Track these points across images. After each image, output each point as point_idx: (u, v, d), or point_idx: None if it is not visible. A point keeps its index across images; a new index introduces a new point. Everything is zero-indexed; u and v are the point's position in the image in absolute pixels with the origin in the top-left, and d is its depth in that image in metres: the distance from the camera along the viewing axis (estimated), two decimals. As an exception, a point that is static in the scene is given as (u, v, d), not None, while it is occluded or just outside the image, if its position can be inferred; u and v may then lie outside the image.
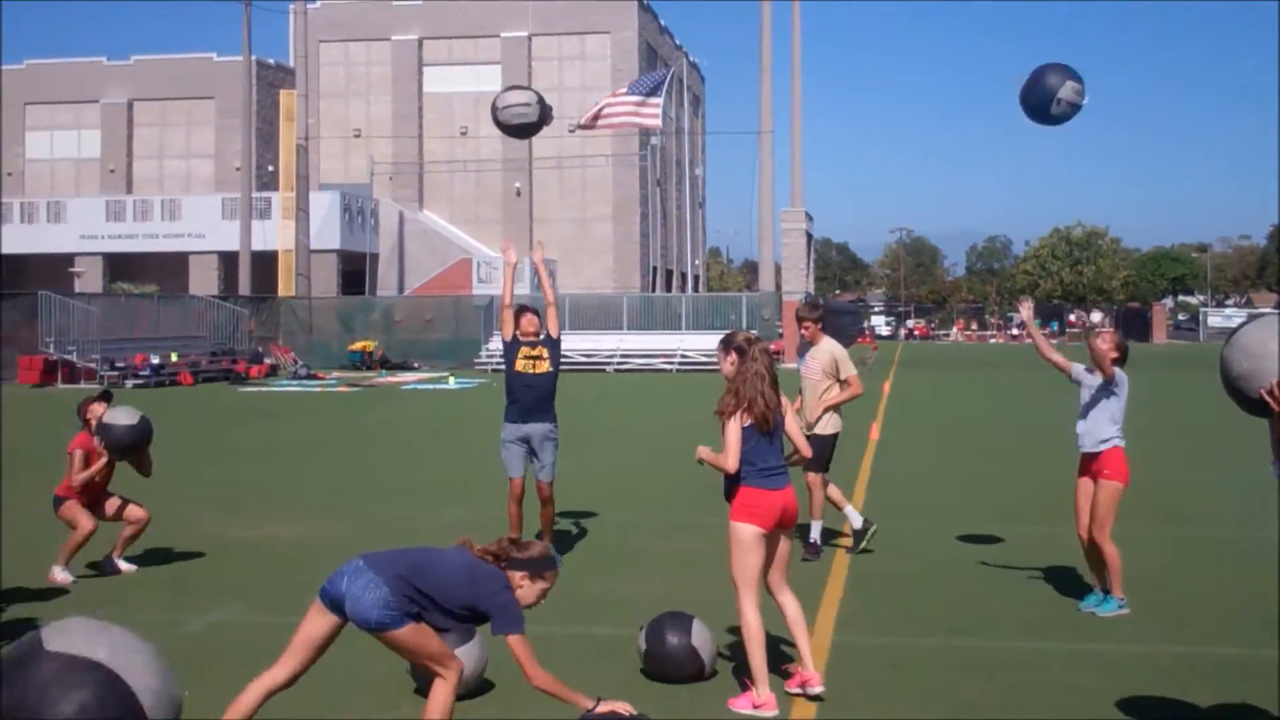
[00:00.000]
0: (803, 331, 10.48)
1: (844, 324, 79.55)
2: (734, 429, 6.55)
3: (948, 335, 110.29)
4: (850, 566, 10.01)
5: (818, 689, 6.60)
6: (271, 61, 69.83)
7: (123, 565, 9.96)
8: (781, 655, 7.19)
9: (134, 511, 9.97)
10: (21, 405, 29.19)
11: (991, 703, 6.57)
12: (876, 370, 44.33)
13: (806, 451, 7.07)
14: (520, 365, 10.08)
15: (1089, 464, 8.53)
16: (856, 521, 10.45)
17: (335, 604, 5.50)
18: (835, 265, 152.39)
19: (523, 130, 10.59)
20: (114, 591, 9.27)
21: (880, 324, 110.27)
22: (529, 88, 10.70)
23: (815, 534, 10.30)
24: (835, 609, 8.61)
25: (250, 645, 7.76)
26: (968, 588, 9.28)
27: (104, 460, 9.70)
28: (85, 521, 9.63)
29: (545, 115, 10.40)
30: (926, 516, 12.63)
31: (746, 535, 6.51)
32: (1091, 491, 8.49)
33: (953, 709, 6.47)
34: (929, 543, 11.10)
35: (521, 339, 10.07)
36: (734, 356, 6.69)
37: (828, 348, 10.37)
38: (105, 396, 10.00)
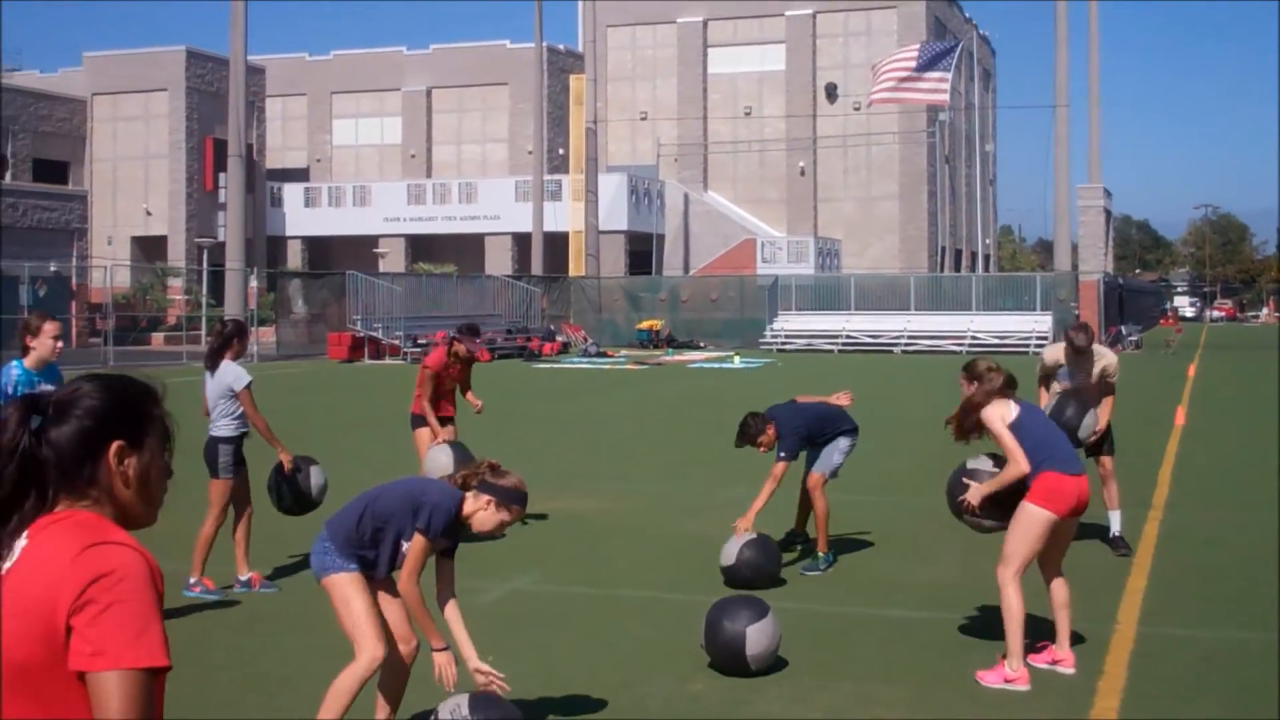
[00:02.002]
0: (1080, 341, 9.62)
1: (1144, 305, 76.33)
2: (1006, 433, 6.55)
3: (1257, 317, 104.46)
4: (1155, 557, 9.59)
5: (1069, 670, 6.60)
6: (561, 48, 71.43)
7: None
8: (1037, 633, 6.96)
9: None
10: (331, 379, 30.80)
11: (1315, 703, 6.18)
12: (1180, 353, 42.37)
13: None
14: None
15: None
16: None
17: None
18: (1135, 244, 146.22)
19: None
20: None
21: (1184, 305, 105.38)
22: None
23: (1116, 526, 9.85)
24: (1140, 599, 8.27)
25: (546, 612, 7.98)
26: (1285, 581, 8.76)
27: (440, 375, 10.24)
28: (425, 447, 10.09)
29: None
30: (1237, 505, 12.00)
31: (1040, 519, 6.49)
32: None
33: (1269, 705, 6.11)
34: (1240, 533, 10.55)
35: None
36: (975, 386, 6.74)
37: (1104, 354, 9.85)
38: (471, 331, 10.45)
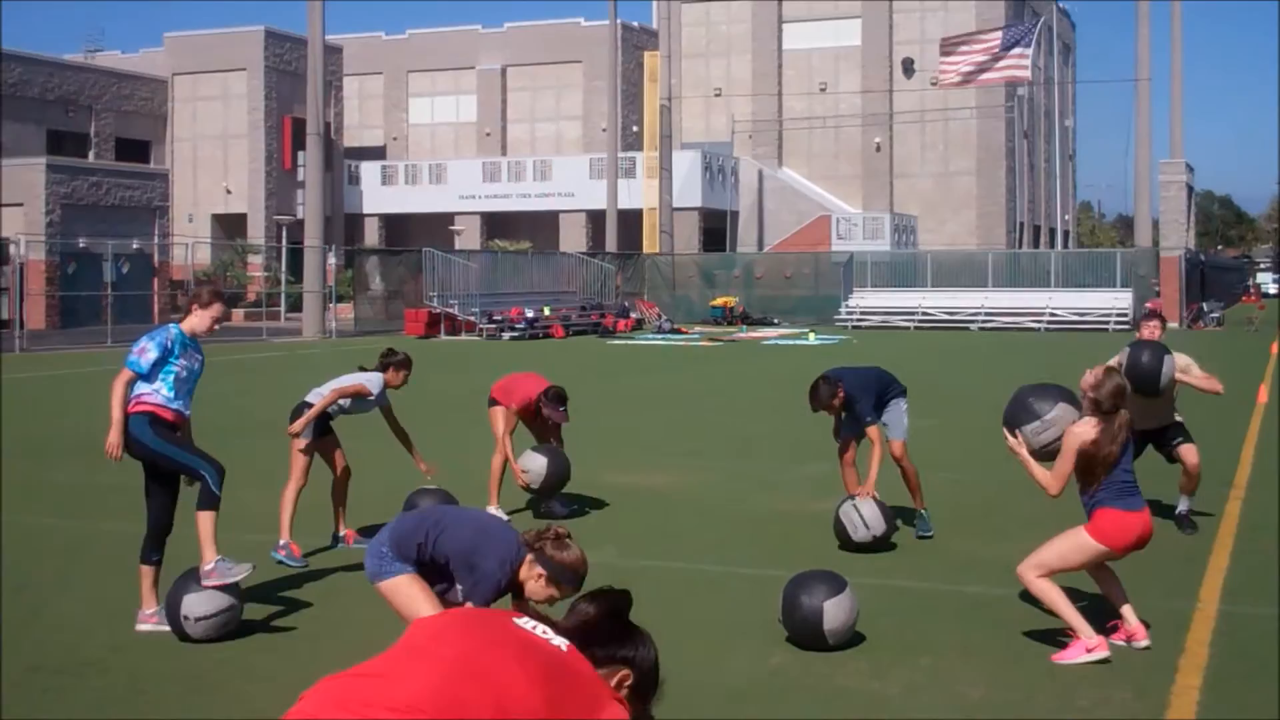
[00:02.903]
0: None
1: (1227, 282, 75.03)
2: (1070, 459, 6.47)
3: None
4: (1238, 536, 9.48)
5: (1144, 642, 6.56)
6: (636, 24, 71.28)
7: (557, 508, 10.27)
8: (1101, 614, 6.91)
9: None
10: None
11: (1402, 684, 6.09)
12: (1264, 331, 41.65)
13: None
14: None
15: None
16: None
17: None
18: (1217, 219, 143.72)
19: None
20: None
21: (1267, 281, 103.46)
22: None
23: (1183, 507, 9.73)
24: (1221, 577, 8.18)
25: (624, 586, 8.02)
26: (1372, 562, 8.63)
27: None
28: (501, 436, 10.07)
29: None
30: (1323, 485, 11.80)
31: (1091, 551, 6.51)
32: None
33: (1358, 688, 6.04)
34: (1327, 513, 10.38)
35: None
36: (1091, 399, 6.52)
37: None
38: (558, 399, 10.11)
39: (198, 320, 7.20)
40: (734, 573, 8.41)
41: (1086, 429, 6.48)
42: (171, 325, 7.19)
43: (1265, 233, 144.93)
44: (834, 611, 6.49)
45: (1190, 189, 54.98)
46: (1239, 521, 10.00)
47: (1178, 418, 9.76)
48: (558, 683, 2.98)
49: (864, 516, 8.85)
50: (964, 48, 48.89)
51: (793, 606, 6.58)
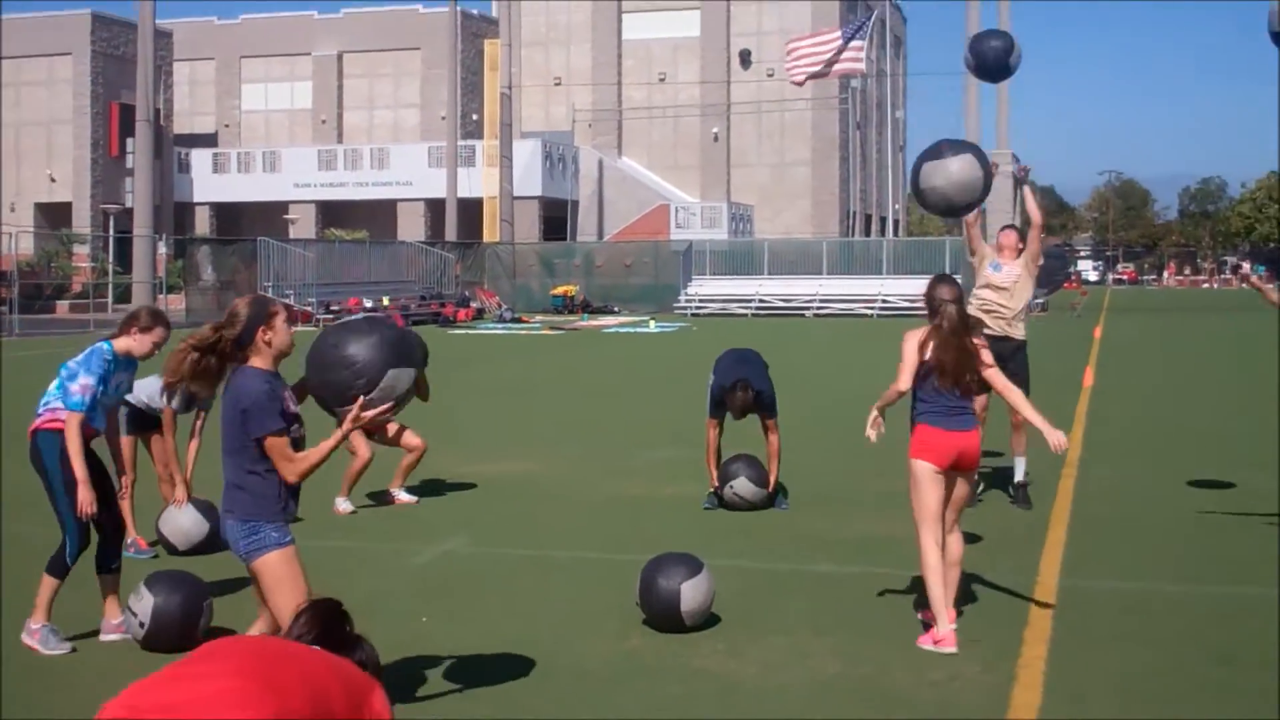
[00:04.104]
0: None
1: (1050, 269, 77.51)
2: (911, 348, 6.56)
3: (1158, 280, 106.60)
4: (1074, 512, 9.79)
5: (950, 649, 6.25)
6: (475, 12, 70.80)
7: (402, 496, 10.18)
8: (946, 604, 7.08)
9: (411, 439, 10.18)
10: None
11: (1235, 650, 6.36)
12: (1086, 316, 43.15)
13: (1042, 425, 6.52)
14: None
15: None
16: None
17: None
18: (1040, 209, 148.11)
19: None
20: (348, 523, 9.60)
21: (1087, 269, 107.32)
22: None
23: (1020, 474, 9.97)
24: (1060, 552, 8.44)
25: (478, 574, 7.99)
26: (1202, 534, 9.00)
27: None
28: (363, 449, 9.83)
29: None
30: (1148, 462, 12.27)
31: (922, 471, 6.54)
32: None
33: (1195, 654, 6.29)
34: (1153, 488, 10.79)
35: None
36: (927, 307, 6.68)
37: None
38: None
39: (136, 344, 6.71)
40: (587, 558, 8.41)
41: (919, 332, 6.63)
42: (104, 345, 6.70)
43: (1085, 222, 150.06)
44: (691, 593, 6.53)
45: (1015, 179, 56.69)
46: (1073, 499, 10.32)
47: (1022, 333, 10.00)
48: (339, 670, 3.40)
49: (745, 497, 9.70)
50: (806, 44, 49.60)
51: (650, 588, 6.61)
